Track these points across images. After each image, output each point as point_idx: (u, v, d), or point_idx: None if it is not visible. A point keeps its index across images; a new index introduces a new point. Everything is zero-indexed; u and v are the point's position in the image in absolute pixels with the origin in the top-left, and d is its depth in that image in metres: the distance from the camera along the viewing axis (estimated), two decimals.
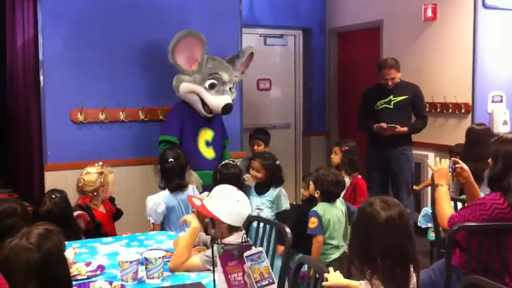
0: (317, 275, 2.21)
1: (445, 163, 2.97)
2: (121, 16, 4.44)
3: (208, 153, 4.28)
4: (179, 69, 4.26)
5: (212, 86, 4.20)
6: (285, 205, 3.77)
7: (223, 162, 3.88)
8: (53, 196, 2.98)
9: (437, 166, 2.97)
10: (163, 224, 3.53)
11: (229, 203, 2.51)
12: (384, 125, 4.73)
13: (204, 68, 4.23)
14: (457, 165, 2.94)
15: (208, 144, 4.30)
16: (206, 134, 4.31)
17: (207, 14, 4.76)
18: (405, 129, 4.77)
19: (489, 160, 2.83)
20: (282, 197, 3.76)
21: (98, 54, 4.39)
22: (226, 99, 4.23)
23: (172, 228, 3.52)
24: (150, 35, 4.54)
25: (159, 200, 3.48)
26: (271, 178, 3.78)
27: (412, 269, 1.88)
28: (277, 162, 3.83)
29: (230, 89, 4.34)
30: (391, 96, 4.81)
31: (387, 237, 1.82)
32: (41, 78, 4.22)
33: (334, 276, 2.09)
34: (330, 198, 3.49)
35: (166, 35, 4.58)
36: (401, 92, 4.80)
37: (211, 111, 4.25)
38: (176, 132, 4.19)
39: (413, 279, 1.87)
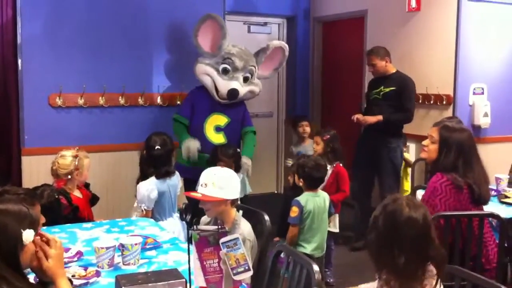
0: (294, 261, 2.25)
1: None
2: None
3: (216, 138, 4.28)
4: (200, 51, 4.33)
5: (225, 71, 4.29)
6: (249, 189, 4.18)
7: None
8: (53, 195, 3.02)
9: None
10: (153, 210, 3.51)
11: (227, 180, 2.49)
12: (356, 117, 4.76)
13: (221, 52, 4.31)
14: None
15: (218, 129, 4.32)
16: (218, 119, 4.33)
17: (191, 0, 4.71)
18: (373, 118, 4.72)
19: (431, 143, 2.92)
20: (246, 182, 4.04)
21: (77, 37, 4.33)
22: (233, 84, 4.27)
23: (161, 213, 3.53)
24: (131, 18, 4.48)
25: (152, 186, 3.46)
26: (236, 167, 3.89)
27: (433, 270, 1.79)
28: (238, 150, 4.10)
29: (247, 79, 4.39)
30: (382, 87, 4.78)
31: (407, 236, 1.76)
32: (19, 61, 4.15)
33: None
34: (313, 184, 3.51)
35: (148, 19, 4.53)
36: (391, 83, 4.75)
37: (224, 97, 4.31)
38: (187, 113, 4.32)
39: (433, 281, 1.77)
